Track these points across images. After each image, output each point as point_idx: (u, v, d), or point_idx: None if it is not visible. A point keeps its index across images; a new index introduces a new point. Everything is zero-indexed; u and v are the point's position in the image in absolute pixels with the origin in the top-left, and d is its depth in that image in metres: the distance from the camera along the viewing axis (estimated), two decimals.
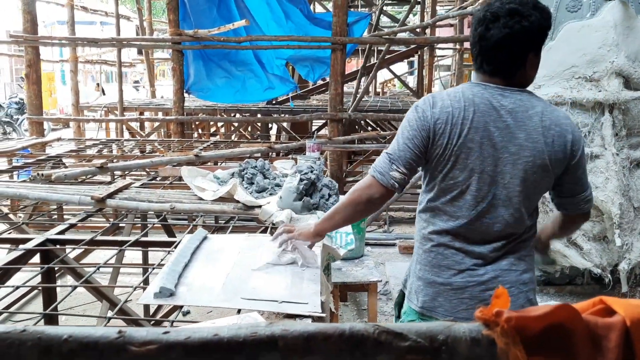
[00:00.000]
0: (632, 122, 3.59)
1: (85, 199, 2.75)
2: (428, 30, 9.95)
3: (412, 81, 15.48)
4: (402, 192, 1.62)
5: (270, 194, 2.93)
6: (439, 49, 13.99)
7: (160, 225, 3.37)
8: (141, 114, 9.29)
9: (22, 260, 2.18)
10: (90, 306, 3.99)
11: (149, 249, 2.46)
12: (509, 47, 1.47)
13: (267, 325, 0.68)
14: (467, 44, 11.98)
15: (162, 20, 15.85)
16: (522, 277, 1.58)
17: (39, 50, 6.58)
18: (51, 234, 2.37)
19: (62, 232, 2.41)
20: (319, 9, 11.38)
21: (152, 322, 2.62)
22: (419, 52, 10.43)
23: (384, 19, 13.91)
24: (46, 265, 2.13)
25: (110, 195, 2.79)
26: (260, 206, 2.78)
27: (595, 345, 0.64)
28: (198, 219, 3.25)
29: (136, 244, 2.25)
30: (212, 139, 8.15)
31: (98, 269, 1.96)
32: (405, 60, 9.98)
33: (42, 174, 3.33)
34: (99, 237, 2.34)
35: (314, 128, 9.55)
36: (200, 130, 10.34)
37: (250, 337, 0.66)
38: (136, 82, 21.73)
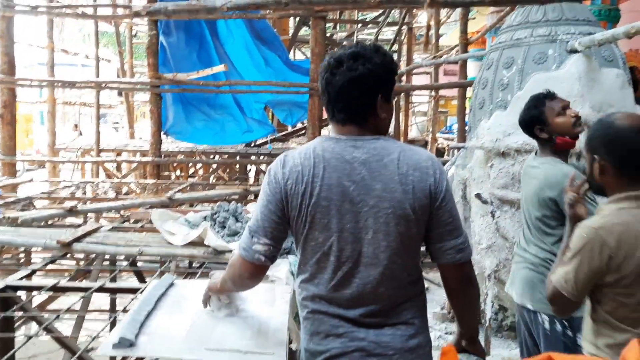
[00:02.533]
0: None
1: (50, 243, 2.69)
2: (404, 78, 10.21)
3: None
4: (273, 262, 1.52)
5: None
6: (416, 95, 14.36)
7: (130, 269, 3.31)
8: (118, 155, 9.24)
9: None
10: (54, 355, 3.84)
11: (117, 295, 2.39)
12: (355, 90, 1.42)
13: None
14: (442, 92, 12.33)
15: (143, 64, 16.02)
16: (408, 343, 1.44)
17: (15, 92, 6.56)
18: (13, 279, 2.30)
19: (26, 277, 2.34)
20: (298, 55, 11.65)
21: None
22: (395, 99, 10.68)
23: None
24: (2, 314, 2.05)
25: (78, 239, 2.74)
26: (231, 251, 2.75)
27: None
28: (170, 264, 3.19)
29: (102, 289, 2.19)
30: (190, 180, 8.12)
31: (58, 317, 1.91)
32: None
33: (9, 217, 3.26)
34: (64, 283, 2.27)
35: None
36: (178, 172, 10.30)
37: None
38: (116, 123, 21.68)
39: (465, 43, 7.88)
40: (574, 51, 3.60)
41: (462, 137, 7.24)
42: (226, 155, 8.39)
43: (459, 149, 5.20)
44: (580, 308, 1.71)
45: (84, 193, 6.05)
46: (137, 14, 6.29)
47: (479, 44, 10.27)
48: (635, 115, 1.66)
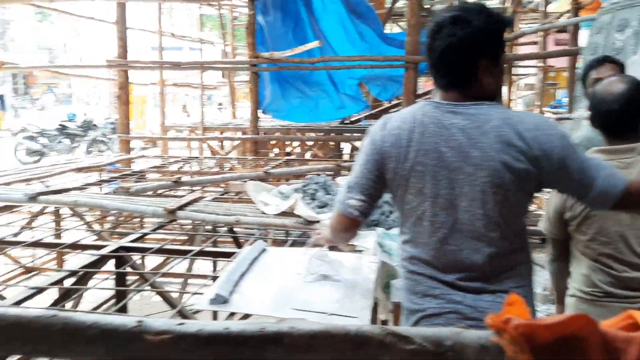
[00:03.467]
0: None
1: (158, 211, 2.91)
2: (508, 48, 9.65)
3: None
4: (367, 218, 1.53)
5: (331, 210, 2.96)
6: (521, 66, 13.53)
7: (229, 236, 3.51)
8: (221, 133, 9.71)
9: (98, 264, 2.35)
10: (167, 314, 4.18)
11: (217, 259, 2.56)
12: (455, 55, 1.38)
13: (276, 323, 0.70)
14: (549, 61, 11.51)
15: (244, 46, 16.59)
16: None
17: (128, 74, 7.10)
18: (125, 241, 2.54)
19: (138, 240, 2.57)
20: (395, 29, 11.42)
21: None
22: None
23: None
24: (117, 270, 2.28)
25: (181, 208, 2.94)
26: (320, 221, 2.82)
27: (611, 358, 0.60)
28: (268, 233, 3.34)
29: (202, 253, 2.36)
30: (286, 157, 8.35)
31: (161, 274, 2.07)
32: None
33: (123, 187, 3.57)
34: (167, 246, 2.47)
35: None
36: (277, 150, 10.63)
37: (258, 333, 0.68)
38: (220, 104, 22.74)
39: (576, 8, 7.29)
40: None
41: (572, 109, 6.76)
42: (321, 133, 8.52)
43: (565, 120, 4.87)
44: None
45: (190, 168, 6.44)
46: None
47: (591, 9, 9.42)
48: (614, 80, 1.85)
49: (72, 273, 2.14)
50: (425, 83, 11.49)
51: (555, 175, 1.36)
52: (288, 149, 11.12)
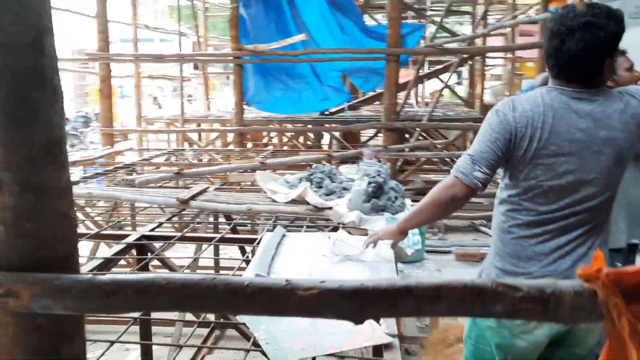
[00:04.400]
0: None
1: (170, 201, 3.00)
2: (479, 41, 9.95)
3: (459, 91, 15.45)
4: (484, 190, 1.68)
5: (338, 197, 3.10)
6: (490, 58, 13.90)
7: (246, 223, 3.59)
8: (198, 125, 9.70)
9: (123, 252, 2.43)
10: None
11: (242, 244, 2.65)
12: (586, 58, 1.56)
13: (402, 279, 0.84)
14: (518, 53, 11.89)
15: (216, 37, 16.45)
16: None
17: (110, 67, 7.04)
18: (145, 230, 2.62)
19: (155, 229, 2.65)
20: (370, 21, 11.57)
21: None
22: (470, 62, 10.44)
23: (432, 28, 13.97)
24: (142, 257, 2.36)
25: (193, 198, 3.03)
26: (330, 208, 2.95)
27: None
28: (269, 221, 3.44)
29: (223, 240, 2.46)
30: (266, 148, 8.43)
31: (194, 259, 2.17)
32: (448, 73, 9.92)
33: (126, 179, 3.62)
34: (188, 234, 2.57)
35: (364, 138, 9.70)
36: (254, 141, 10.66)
37: (390, 287, 0.82)
38: (189, 95, 22.47)
39: (545, 0, 7.57)
40: None
41: None
42: (301, 124, 8.62)
43: None
44: None
45: (176, 160, 6.47)
46: None
47: (560, 1, 9.79)
48: None
49: (104, 261, 2.21)
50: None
51: None
52: (265, 140, 11.18)
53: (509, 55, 11.57)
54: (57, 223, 0.89)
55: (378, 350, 1.57)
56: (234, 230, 2.54)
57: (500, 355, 1.73)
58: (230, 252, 3.89)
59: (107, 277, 0.86)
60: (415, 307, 0.82)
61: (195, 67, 14.41)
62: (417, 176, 7.48)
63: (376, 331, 1.61)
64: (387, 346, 1.56)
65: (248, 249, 2.32)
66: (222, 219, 3.70)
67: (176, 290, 0.82)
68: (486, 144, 1.63)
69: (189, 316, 2.71)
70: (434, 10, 12.01)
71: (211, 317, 2.88)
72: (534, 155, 1.59)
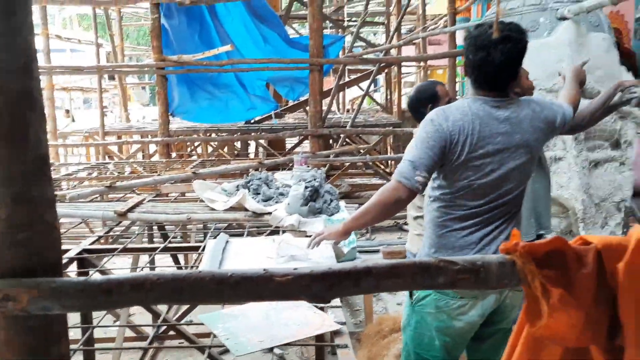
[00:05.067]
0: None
1: (108, 214, 2.99)
2: (394, 50, 10.46)
3: (377, 98, 16.09)
4: (423, 192, 1.90)
5: (276, 202, 3.23)
6: (404, 66, 14.58)
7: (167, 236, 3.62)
8: (119, 137, 9.44)
9: (64, 267, 2.41)
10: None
11: (182, 252, 2.70)
12: (507, 67, 1.82)
13: (363, 261, 1.00)
14: (430, 62, 12.60)
15: (130, 46, 16.02)
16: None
17: None
18: (85, 244, 2.61)
19: (94, 243, 2.65)
20: (291, 32, 11.80)
21: None
22: (387, 70, 10.93)
23: (349, 38, 14.45)
24: (84, 270, 2.37)
25: (131, 210, 3.04)
26: (269, 213, 3.08)
27: (579, 261, 0.97)
28: (204, 230, 3.50)
29: (167, 249, 2.52)
30: (193, 159, 8.37)
31: (137, 269, 2.22)
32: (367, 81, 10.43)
33: (57, 195, 3.54)
34: (130, 245, 2.59)
35: (289, 145, 9.89)
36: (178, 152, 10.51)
37: (353, 269, 0.98)
38: (105, 107, 21.64)
39: (453, 13, 8.14)
40: (563, 18, 3.92)
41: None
42: (225, 133, 8.64)
43: None
44: None
45: (101, 173, 6.29)
46: None
47: (464, 12, 10.52)
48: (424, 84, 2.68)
49: None
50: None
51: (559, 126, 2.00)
52: (189, 150, 11.05)
53: (422, 63, 12.22)
54: (46, 232, 0.97)
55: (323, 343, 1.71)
56: (166, 240, 2.60)
57: (440, 337, 1.93)
58: (164, 262, 3.88)
59: (101, 277, 0.95)
60: (376, 284, 0.98)
61: (112, 78, 13.94)
62: (342, 180, 7.74)
63: (326, 320, 1.76)
64: (337, 332, 1.72)
65: (194, 256, 2.39)
66: (156, 232, 3.71)
67: (167, 284, 0.92)
68: (424, 151, 1.82)
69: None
70: (350, 21, 12.45)
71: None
72: (466, 158, 1.83)
